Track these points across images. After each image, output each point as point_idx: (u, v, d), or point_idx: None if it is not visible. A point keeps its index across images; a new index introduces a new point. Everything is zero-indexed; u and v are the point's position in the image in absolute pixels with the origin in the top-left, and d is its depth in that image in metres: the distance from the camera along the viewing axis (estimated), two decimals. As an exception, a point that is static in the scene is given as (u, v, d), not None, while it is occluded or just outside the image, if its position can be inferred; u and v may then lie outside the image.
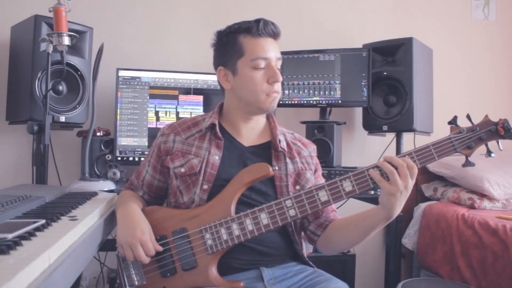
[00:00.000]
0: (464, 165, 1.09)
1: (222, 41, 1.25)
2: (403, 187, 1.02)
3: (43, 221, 0.88)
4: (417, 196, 2.58)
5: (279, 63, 1.23)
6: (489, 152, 1.08)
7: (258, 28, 1.19)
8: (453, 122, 1.09)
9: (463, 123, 1.10)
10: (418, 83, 2.17)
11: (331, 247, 1.25)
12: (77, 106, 1.92)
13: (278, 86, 1.21)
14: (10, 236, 0.75)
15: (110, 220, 1.22)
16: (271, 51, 1.20)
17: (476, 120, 1.09)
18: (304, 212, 1.10)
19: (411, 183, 1.03)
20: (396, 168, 1.03)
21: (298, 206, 1.10)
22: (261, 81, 1.19)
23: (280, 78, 1.20)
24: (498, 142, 1.08)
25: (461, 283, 1.93)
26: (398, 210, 1.05)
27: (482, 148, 1.09)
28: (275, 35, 1.22)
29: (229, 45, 1.22)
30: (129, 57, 2.27)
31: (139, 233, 1.10)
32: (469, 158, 1.09)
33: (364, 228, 1.15)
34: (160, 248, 1.12)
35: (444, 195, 2.42)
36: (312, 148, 1.36)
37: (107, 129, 2.07)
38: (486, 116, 1.09)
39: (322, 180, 1.31)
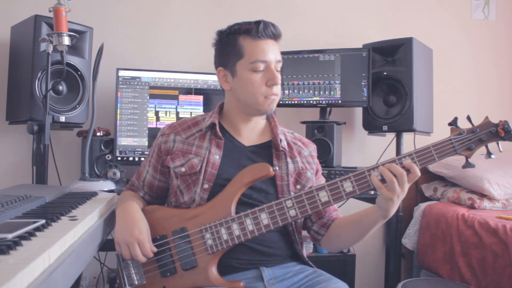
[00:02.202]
0: (464, 167, 1.10)
1: (222, 41, 1.25)
2: (400, 193, 1.05)
3: (43, 221, 0.88)
4: (417, 196, 2.58)
5: (279, 65, 1.22)
6: (489, 154, 1.08)
7: (258, 30, 1.18)
8: (453, 123, 1.10)
9: (463, 124, 1.10)
10: (418, 83, 2.17)
11: (333, 245, 1.28)
12: (77, 106, 1.92)
13: (277, 89, 1.21)
14: (10, 236, 0.75)
15: (110, 220, 1.22)
16: (271, 53, 1.20)
17: (476, 121, 1.10)
18: (304, 213, 1.10)
19: (406, 187, 1.06)
20: (395, 176, 1.05)
21: (298, 207, 1.10)
22: (260, 84, 1.19)
23: (279, 81, 1.20)
24: (498, 143, 1.09)
25: (461, 283, 1.93)
26: (394, 210, 1.09)
27: (482, 149, 1.10)
28: (275, 36, 1.21)
29: (229, 46, 1.22)
30: (129, 57, 2.26)
31: (137, 232, 1.10)
32: (469, 160, 1.09)
33: (363, 227, 1.17)
34: (155, 249, 1.12)
35: (444, 195, 2.42)
36: (312, 147, 1.37)
37: (107, 129, 2.07)
38: (486, 117, 1.09)
39: (323, 180, 1.32)
